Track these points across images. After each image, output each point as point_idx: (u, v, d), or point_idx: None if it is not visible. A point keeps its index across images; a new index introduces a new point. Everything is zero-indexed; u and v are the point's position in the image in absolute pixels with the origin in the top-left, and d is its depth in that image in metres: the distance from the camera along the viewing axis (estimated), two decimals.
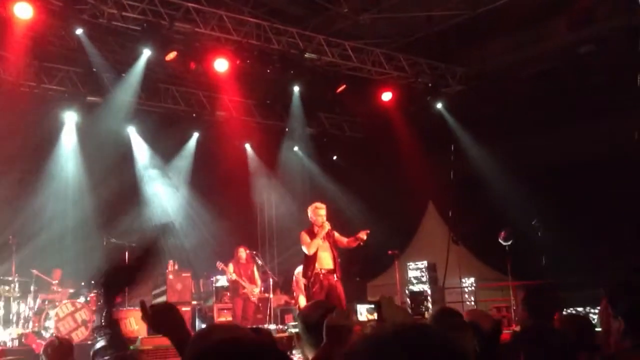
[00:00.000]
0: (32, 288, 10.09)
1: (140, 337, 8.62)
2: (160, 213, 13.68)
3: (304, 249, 7.81)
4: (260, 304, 11.57)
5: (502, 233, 9.87)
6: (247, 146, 14.98)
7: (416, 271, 10.76)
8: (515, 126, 11.13)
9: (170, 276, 11.39)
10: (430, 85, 12.36)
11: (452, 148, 10.84)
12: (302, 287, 9.88)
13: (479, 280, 12.11)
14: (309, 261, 7.74)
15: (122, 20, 9.88)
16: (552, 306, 3.33)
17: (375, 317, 2.84)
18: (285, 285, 12.73)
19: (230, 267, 11.04)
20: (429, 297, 10.36)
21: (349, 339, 2.91)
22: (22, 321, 9.83)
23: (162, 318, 2.14)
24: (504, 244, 9.80)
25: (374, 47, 12.03)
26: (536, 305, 3.32)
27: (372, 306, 2.69)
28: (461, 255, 11.20)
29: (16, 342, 9.18)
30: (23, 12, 9.06)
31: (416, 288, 10.73)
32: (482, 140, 11.97)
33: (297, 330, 3.08)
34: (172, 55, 10.76)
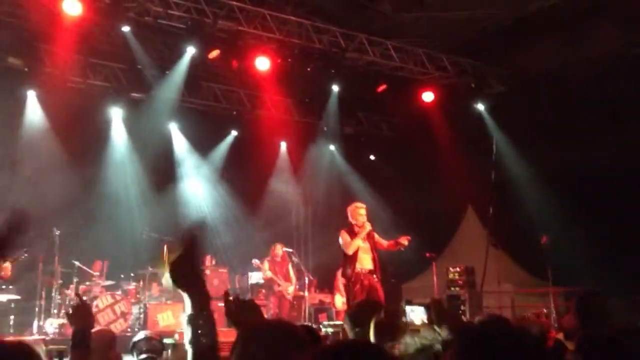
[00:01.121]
0: (73, 279, 10.30)
1: (177, 331, 8.73)
2: (196, 209, 13.84)
3: (344, 248, 7.77)
4: (294, 302, 11.59)
5: (543, 238, 9.66)
6: (284, 144, 15.02)
7: (454, 275, 10.61)
8: (558, 130, 10.90)
9: (207, 271, 11.49)
10: (472, 86, 12.19)
11: (494, 151, 10.70)
12: (341, 287, 9.87)
13: (517, 285, 11.89)
14: (350, 261, 7.69)
15: (167, 18, 10.02)
16: (606, 315, 3.22)
17: (425, 319, 2.81)
18: (320, 284, 12.74)
19: (266, 264, 11.09)
20: (466, 301, 10.19)
21: (398, 337, 2.90)
22: (62, 311, 10.04)
23: (246, 314, 2.16)
24: (545, 249, 9.60)
25: (416, 46, 11.93)
26: (590, 313, 3.21)
27: (422, 308, 2.65)
28: (500, 260, 11.03)
29: (57, 332, 9.39)
30: (72, 8, 9.28)
31: (453, 292, 10.59)
32: (523, 143, 11.76)
33: (344, 327, 3.08)
34: (214, 54, 10.88)
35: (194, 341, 1.81)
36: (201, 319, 1.84)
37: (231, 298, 2.20)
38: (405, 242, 7.78)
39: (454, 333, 2.24)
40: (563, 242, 9.66)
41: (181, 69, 11.50)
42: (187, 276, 1.86)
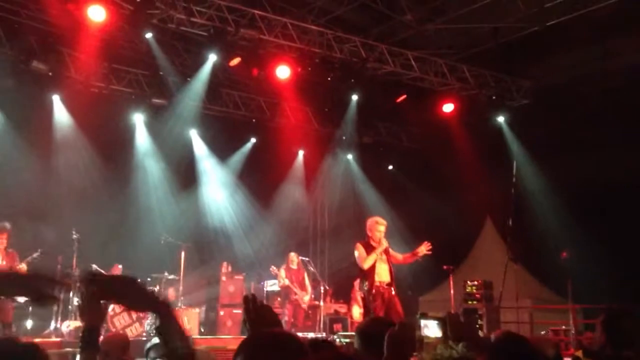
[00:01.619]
0: None
1: (192, 336, 8.74)
2: (214, 215, 13.89)
3: (359, 262, 7.65)
4: (310, 311, 11.55)
5: (563, 253, 9.51)
6: (302, 153, 15.02)
7: (471, 288, 10.48)
8: (579, 143, 10.77)
9: (224, 278, 11.52)
10: (493, 97, 12.10)
11: (514, 164, 10.58)
12: (359, 297, 9.80)
13: (535, 301, 11.72)
14: (367, 275, 7.57)
15: (190, 25, 10.11)
16: (636, 334, 3.10)
17: (440, 334, 2.77)
18: (335, 294, 12.68)
19: (282, 272, 11.08)
20: (483, 316, 10.06)
21: (412, 352, 2.85)
22: (79, 314, 10.08)
23: (264, 320, 2.16)
24: (565, 264, 9.45)
25: (437, 57, 11.89)
26: (620, 331, 3.09)
27: (437, 322, 2.60)
28: (518, 274, 10.87)
29: (73, 334, 9.44)
30: (96, 14, 9.40)
31: (470, 305, 10.46)
32: (543, 156, 11.64)
33: (354, 344, 3.03)
34: (235, 61, 10.94)
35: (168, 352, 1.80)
36: (170, 327, 1.83)
37: (250, 303, 2.18)
38: (424, 250, 7.67)
39: (471, 349, 2.19)
40: (583, 258, 9.50)
41: (203, 76, 11.59)
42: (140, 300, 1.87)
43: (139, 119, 12.88)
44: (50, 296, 1.86)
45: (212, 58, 11.15)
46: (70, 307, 10.15)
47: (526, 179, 12.06)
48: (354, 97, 12.98)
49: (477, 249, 13.36)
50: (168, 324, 1.84)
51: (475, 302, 10.30)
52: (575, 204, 10.60)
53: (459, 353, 2.56)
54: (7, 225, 7.94)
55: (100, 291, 1.85)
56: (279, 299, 11.91)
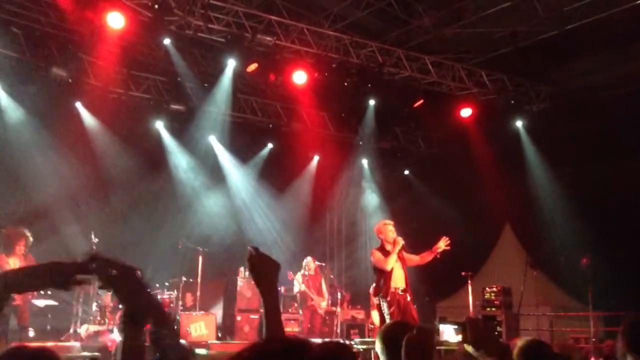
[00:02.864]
0: None
1: (210, 341, 8.73)
2: (232, 220, 13.91)
3: (380, 266, 7.60)
4: (327, 317, 11.50)
5: (584, 259, 9.36)
6: (319, 158, 15.00)
7: (490, 295, 10.35)
8: (599, 148, 10.62)
9: (240, 283, 11.52)
10: (512, 102, 11.99)
11: (532, 170, 10.49)
12: (375, 304, 9.73)
13: (556, 308, 11.55)
14: (384, 279, 7.54)
15: (208, 32, 10.17)
16: None
17: (460, 339, 2.72)
18: (353, 300, 12.63)
19: (299, 277, 11.05)
20: (502, 323, 9.91)
21: (428, 357, 2.80)
22: (98, 318, 10.17)
23: (267, 268, 2.22)
24: (585, 271, 9.30)
25: (455, 61, 11.82)
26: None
27: (457, 327, 2.55)
28: (538, 281, 10.72)
29: (92, 338, 9.50)
30: (115, 21, 9.49)
31: (489, 312, 10.32)
32: (563, 161, 11.49)
33: (376, 348, 3.00)
34: (252, 67, 10.98)
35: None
36: (164, 330, 1.81)
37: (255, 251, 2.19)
38: (442, 246, 7.60)
39: (492, 355, 2.15)
40: (604, 264, 9.35)
41: (225, 83, 11.66)
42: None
43: (159, 125, 12.99)
44: (71, 279, 1.84)
45: (232, 64, 11.21)
46: (89, 311, 10.24)
47: (545, 184, 11.93)
48: (371, 102, 12.96)
49: (495, 255, 13.21)
50: (161, 330, 1.81)
51: (494, 309, 10.16)
52: (596, 210, 10.44)
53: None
54: (26, 231, 8.02)
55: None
56: (295, 304, 11.89)
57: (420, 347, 2.74)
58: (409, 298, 7.57)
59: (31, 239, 8.02)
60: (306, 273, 11.19)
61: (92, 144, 11.91)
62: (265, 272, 2.26)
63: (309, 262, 11.28)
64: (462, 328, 2.59)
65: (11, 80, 10.98)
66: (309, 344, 1.47)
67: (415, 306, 7.69)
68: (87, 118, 12.00)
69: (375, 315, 10.58)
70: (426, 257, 7.80)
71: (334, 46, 11.00)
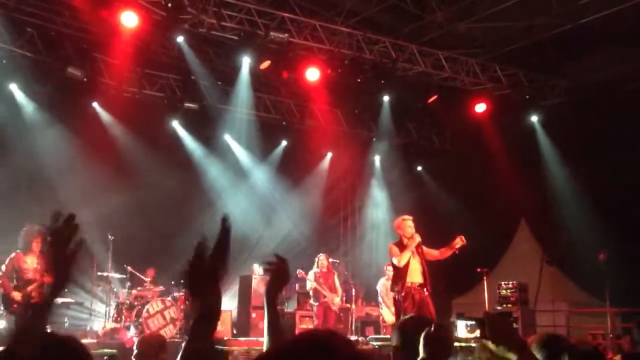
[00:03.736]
0: (126, 284, 10.52)
1: (226, 338, 8.78)
2: (245, 218, 13.92)
3: (395, 260, 7.62)
4: (341, 314, 11.48)
5: (601, 255, 9.27)
6: (332, 155, 14.97)
7: (506, 291, 10.29)
8: (616, 142, 10.51)
9: (255, 280, 11.55)
10: (527, 97, 11.89)
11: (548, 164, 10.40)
12: (384, 299, 9.71)
13: (572, 304, 11.46)
14: (399, 274, 7.54)
15: (221, 29, 10.19)
16: None
17: (478, 334, 2.70)
18: (367, 296, 12.61)
19: (311, 275, 11.03)
20: (518, 319, 9.85)
21: (448, 353, 2.80)
22: (115, 315, 10.26)
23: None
24: (602, 267, 9.22)
25: (468, 56, 11.75)
26: None
27: (475, 322, 2.54)
28: (554, 277, 10.67)
29: (108, 335, 9.59)
30: (129, 20, 9.55)
31: (504, 309, 10.26)
32: (579, 155, 11.38)
33: (393, 342, 3.00)
34: (265, 64, 10.99)
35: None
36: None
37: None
38: (460, 243, 7.58)
39: (512, 350, 2.13)
40: (621, 260, 9.26)
41: (241, 81, 11.68)
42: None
43: (175, 124, 13.06)
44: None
45: (247, 62, 11.23)
46: (106, 309, 10.33)
47: (561, 179, 11.82)
48: (385, 99, 12.92)
49: (511, 252, 13.12)
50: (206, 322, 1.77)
51: (509, 305, 10.10)
52: (613, 205, 10.33)
53: (498, 355, 2.49)
54: (42, 228, 8.10)
55: None
56: (310, 301, 11.88)
57: (439, 342, 2.74)
58: (426, 292, 7.55)
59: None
60: (319, 270, 11.17)
61: (111, 142, 11.99)
62: (278, 286, 2.44)
63: (322, 259, 11.25)
64: (481, 323, 2.57)
65: (28, 80, 11.10)
66: (336, 345, 1.44)
67: (433, 302, 7.66)
68: (105, 117, 12.09)
69: (385, 313, 10.55)
70: (445, 252, 7.79)
71: (346, 42, 10.98)
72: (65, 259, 1.94)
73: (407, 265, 7.52)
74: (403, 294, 7.40)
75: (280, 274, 2.43)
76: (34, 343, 1.70)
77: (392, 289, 7.97)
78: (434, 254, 7.81)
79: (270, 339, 2.34)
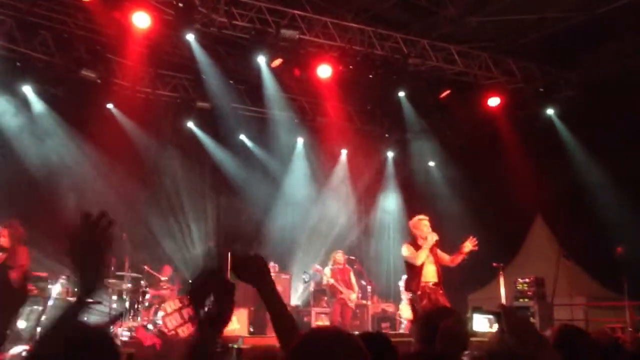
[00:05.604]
0: (142, 283, 10.58)
1: (242, 336, 8.81)
2: (262, 216, 13.95)
3: (410, 260, 7.55)
4: (357, 310, 11.49)
5: (619, 249, 9.18)
6: (345, 152, 14.96)
7: (522, 286, 10.22)
8: (632, 134, 10.37)
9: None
10: (541, 90, 11.78)
11: (567, 158, 10.29)
12: (405, 298, 9.66)
13: (590, 298, 11.35)
14: (414, 274, 7.49)
15: (232, 28, 10.21)
16: None
17: (495, 329, 2.69)
18: (383, 293, 12.60)
19: (328, 271, 11.04)
20: (535, 314, 9.78)
21: (463, 347, 2.79)
22: (132, 315, 10.32)
23: (252, 269, 2.15)
24: (620, 260, 9.12)
25: (481, 50, 11.67)
26: None
27: (492, 316, 2.53)
28: (571, 271, 10.57)
29: (126, 335, 9.64)
30: (141, 21, 9.60)
31: (522, 303, 10.20)
32: (595, 148, 11.26)
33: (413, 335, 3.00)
34: (277, 62, 10.99)
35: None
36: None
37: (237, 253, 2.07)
38: (469, 246, 7.52)
39: (529, 346, 2.12)
40: (639, 253, 9.14)
41: (267, 81, 11.75)
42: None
43: (190, 124, 13.11)
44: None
45: (262, 60, 11.25)
46: (123, 309, 10.39)
47: (579, 172, 11.70)
48: (397, 94, 12.87)
49: (527, 246, 13.03)
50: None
51: (527, 300, 10.03)
52: (631, 197, 10.22)
53: (514, 350, 2.47)
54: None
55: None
56: (325, 298, 11.90)
57: (454, 336, 2.73)
58: (441, 291, 7.51)
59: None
60: (335, 266, 11.18)
61: (127, 143, 12.07)
62: (251, 272, 2.18)
63: (337, 255, 11.26)
64: (498, 317, 2.56)
65: (41, 83, 11.20)
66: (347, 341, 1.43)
67: (447, 300, 7.62)
68: (120, 118, 12.17)
69: (405, 309, 10.53)
70: (455, 259, 7.70)
71: (358, 39, 10.94)
72: (97, 258, 1.91)
73: (422, 264, 7.47)
74: (419, 293, 7.36)
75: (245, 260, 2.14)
76: (62, 341, 1.66)
77: (407, 289, 7.92)
78: (445, 259, 7.74)
79: (278, 338, 2.15)
